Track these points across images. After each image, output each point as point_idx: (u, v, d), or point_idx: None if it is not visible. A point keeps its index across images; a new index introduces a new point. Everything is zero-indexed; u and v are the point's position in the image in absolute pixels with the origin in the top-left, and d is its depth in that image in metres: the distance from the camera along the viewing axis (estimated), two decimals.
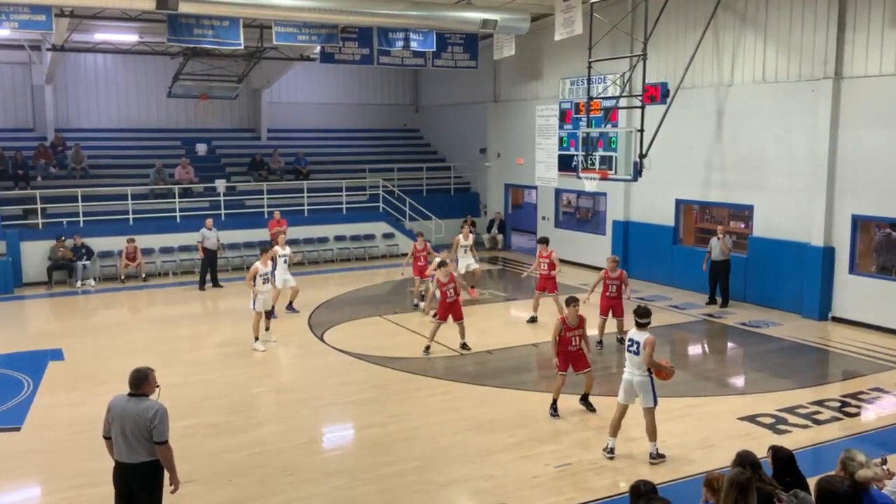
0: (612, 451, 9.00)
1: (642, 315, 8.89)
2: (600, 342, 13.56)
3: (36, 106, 23.97)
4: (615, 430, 9.01)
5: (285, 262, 15.81)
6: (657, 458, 8.85)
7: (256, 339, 13.61)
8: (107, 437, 6.42)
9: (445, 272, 13.31)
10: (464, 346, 13.44)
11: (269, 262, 14.12)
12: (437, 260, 14.24)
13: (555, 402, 10.32)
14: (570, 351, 10.18)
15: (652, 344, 8.64)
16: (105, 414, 6.41)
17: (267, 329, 14.10)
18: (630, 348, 8.90)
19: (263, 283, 13.60)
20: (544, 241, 15.55)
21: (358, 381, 12.07)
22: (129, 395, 6.35)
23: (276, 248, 15.52)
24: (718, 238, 16.40)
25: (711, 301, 16.73)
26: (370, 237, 23.62)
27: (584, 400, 10.57)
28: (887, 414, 10.47)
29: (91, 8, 17.01)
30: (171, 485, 6.51)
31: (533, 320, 15.31)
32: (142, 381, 6.37)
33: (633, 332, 8.94)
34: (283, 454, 9.16)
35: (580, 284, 17.59)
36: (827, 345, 14.01)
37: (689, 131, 17.55)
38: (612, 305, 13.57)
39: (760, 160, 16.45)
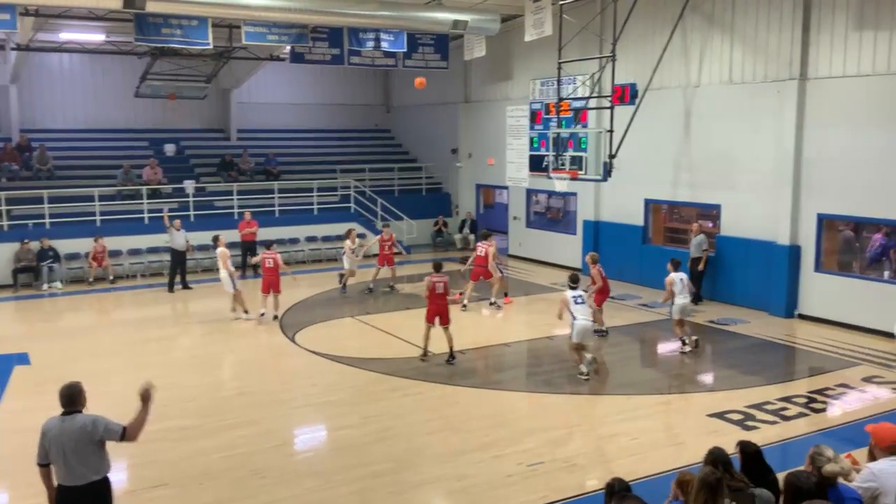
0: (587, 372, 11.83)
1: (575, 280, 12.35)
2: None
3: (0, 106, 23.57)
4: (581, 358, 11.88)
5: (354, 252, 18.30)
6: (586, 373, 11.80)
7: (246, 311, 15.75)
8: (43, 465, 6.03)
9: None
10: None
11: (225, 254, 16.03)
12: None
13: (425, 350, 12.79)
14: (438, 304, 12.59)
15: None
16: (39, 439, 6.02)
17: (234, 309, 15.89)
18: (578, 300, 11.86)
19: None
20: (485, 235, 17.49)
21: (330, 382, 12.03)
22: (64, 413, 5.99)
23: (347, 241, 18.31)
24: (694, 235, 16.92)
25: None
26: (342, 238, 23.49)
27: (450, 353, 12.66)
28: (853, 409, 10.67)
29: (57, 7, 16.75)
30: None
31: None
32: (76, 396, 5.99)
33: (575, 292, 12.00)
34: (256, 457, 9.10)
35: (551, 284, 17.71)
36: (793, 342, 14.24)
37: (658, 132, 17.74)
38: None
39: (727, 160, 16.67)
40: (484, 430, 9.83)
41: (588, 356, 11.93)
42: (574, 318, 11.73)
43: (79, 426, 5.91)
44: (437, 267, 13.04)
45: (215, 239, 16.45)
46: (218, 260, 15.97)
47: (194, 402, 11.04)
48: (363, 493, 8.18)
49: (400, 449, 9.32)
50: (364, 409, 10.70)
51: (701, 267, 16.76)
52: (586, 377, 11.75)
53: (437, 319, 12.71)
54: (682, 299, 13.38)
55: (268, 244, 16.32)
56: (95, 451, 5.96)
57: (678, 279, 13.38)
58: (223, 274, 15.79)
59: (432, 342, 12.92)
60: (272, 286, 15.73)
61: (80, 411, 6.01)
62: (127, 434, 5.99)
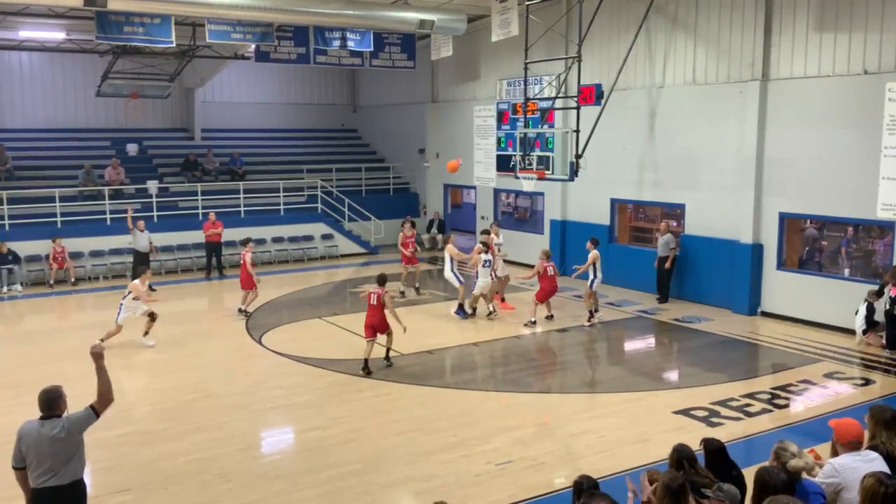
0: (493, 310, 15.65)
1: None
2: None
3: None
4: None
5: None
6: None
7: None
8: (19, 468, 5.92)
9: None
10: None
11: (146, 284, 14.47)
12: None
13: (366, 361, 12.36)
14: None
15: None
16: (16, 442, 5.93)
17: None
18: (485, 264, 15.23)
19: (133, 299, 13.77)
20: (486, 232, 16.66)
21: (297, 384, 11.94)
22: (42, 418, 5.91)
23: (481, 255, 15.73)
24: (661, 234, 17.03)
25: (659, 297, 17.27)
26: (309, 238, 23.39)
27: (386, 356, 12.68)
28: (815, 405, 10.85)
29: (15, 4, 16.42)
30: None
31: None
32: (55, 400, 5.92)
33: (486, 257, 15.29)
34: (221, 460, 8.99)
35: (519, 283, 17.74)
36: (756, 339, 14.44)
37: (623, 132, 17.88)
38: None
39: (691, 160, 16.86)
40: (452, 430, 9.82)
41: (490, 306, 15.58)
42: (478, 276, 15.28)
43: (54, 431, 5.85)
44: (381, 280, 12.65)
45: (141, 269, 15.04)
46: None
47: (158, 406, 10.89)
48: (331, 496, 8.12)
49: (368, 450, 9.27)
50: (331, 411, 10.64)
51: (668, 266, 16.90)
52: (491, 317, 15.43)
53: (375, 332, 12.36)
54: (601, 274, 15.25)
55: (243, 242, 16.61)
56: (73, 454, 5.90)
57: (600, 256, 15.34)
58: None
59: (396, 345, 12.90)
60: (242, 283, 15.91)
61: (59, 416, 5.95)
62: (98, 407, 5.99)
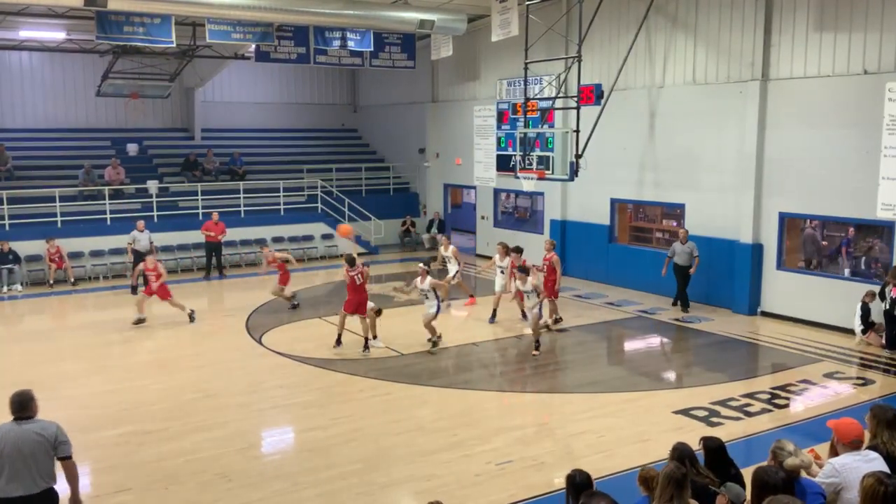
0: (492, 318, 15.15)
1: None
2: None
3: None
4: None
5: (502, 271, 15.57)
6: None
7: (375, 337, 13.80)
8: None
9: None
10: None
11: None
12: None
13: (365, 339, 13.31)
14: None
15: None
16: None
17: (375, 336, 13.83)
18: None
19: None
20: (518, 250, 15.44)
21: (298, 383, 11.94)
22: (16, 419, 5.86)
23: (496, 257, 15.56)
24: (682, 242, 16.24)
25: (675, 303, 16.65)
26: (309, 238, 23.40)
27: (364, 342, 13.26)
28: (815, 405, 10.85)
29: (15, 4, 16.42)
30: None
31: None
32: (27, 402, 5.90)
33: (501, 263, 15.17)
34: (222, 460, 8.99)
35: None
36: (756, 339, 14.44)
37: (623, 132, 17.88)
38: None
39: (691, 160, 16.86)
40: (452, 430, 9.82)
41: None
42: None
43: (39, 429, 5.82)
44: (351, 260, 13.34)
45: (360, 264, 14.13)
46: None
47: (158, 406, 10.88)
48: (331, 495, 8.13)
49: (368, 450, 9.28)
50: (332, 411, 10.64)
51: (692, 271, 16.19)
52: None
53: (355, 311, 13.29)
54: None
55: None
56: (51, 460, 5.86)
57: None
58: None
59: (396, 345, 12.90)
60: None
61: (32, 417, 5.91)
62: (70, 464, 5.92)
